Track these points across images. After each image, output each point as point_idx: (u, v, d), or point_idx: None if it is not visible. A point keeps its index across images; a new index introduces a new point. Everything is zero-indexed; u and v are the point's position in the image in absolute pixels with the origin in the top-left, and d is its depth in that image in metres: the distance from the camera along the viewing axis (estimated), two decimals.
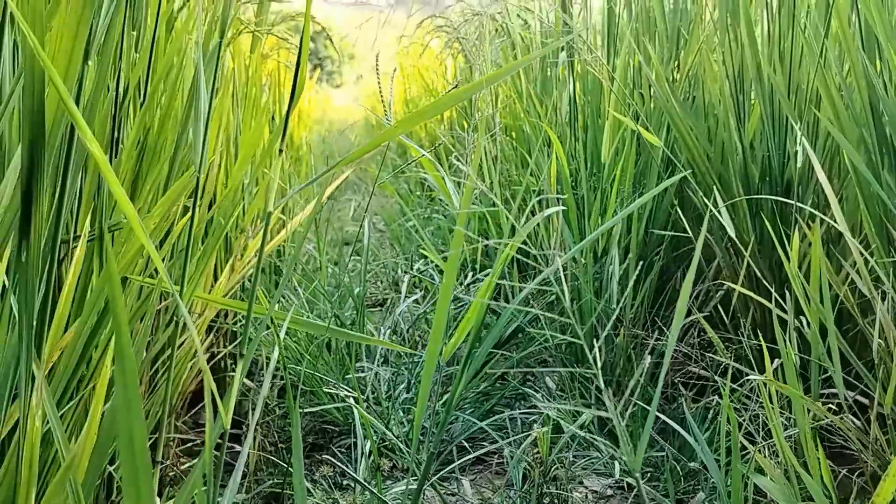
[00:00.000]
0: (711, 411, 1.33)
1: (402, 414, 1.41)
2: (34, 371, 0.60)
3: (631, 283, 1.37)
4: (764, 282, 1.38)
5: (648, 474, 1.31)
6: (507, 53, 2.21)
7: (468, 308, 0.87)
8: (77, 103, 0.62)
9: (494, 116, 2.16)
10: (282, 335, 0.91)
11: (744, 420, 1.24)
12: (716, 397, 1.32)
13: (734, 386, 1.26)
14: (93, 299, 0.73)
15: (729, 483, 0.98)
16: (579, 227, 1.67)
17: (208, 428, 0.64)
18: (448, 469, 1.25)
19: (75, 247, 0.93)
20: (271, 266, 2.03)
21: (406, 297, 1.79)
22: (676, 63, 1.80)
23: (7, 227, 0.62)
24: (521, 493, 1.21)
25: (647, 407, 0.80)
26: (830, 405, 1.15)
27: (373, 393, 1.45)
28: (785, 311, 1.15)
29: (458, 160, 2.83)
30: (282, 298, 2.21)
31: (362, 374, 1.47)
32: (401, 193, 3.32)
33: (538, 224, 1.79)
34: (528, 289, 0.83)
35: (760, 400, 1.05)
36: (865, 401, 1.24)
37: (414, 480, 1.08)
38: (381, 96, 1.68)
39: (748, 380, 1.22)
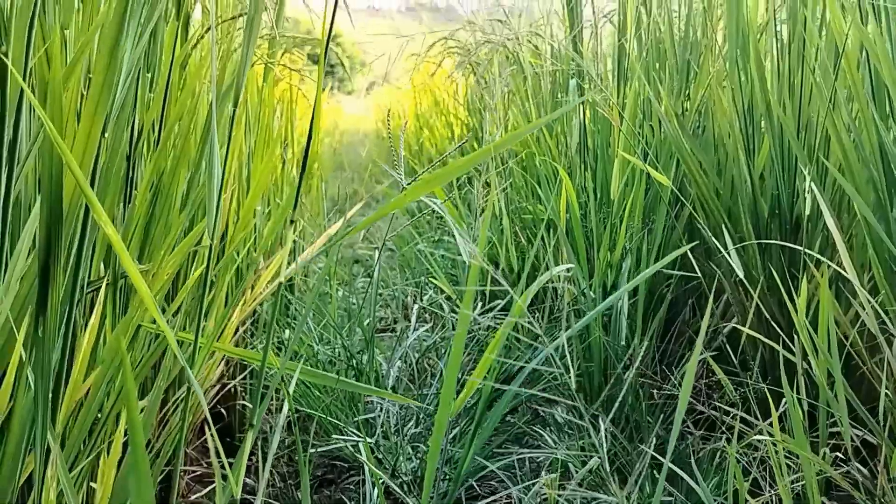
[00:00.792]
0: (720, 454, 1.33)
1: (410, 451, 1.42)
2: (49, 443, 0.61)
3: (640, 319, 1.38)
4: (772, 323, 1.38)
5: None
6: (518, 81, 2.22)
7: (477, 342, 0.88)
8: (92, 180, 0.64)
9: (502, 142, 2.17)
10: (291, 389, 0.92)
11: (753, 459, 1.25)
12: (724, 441, 1.32)
13: (743, 427, 1.26)
14: (104, 370, 0.74)
15: None
16: (588, 260, 1.68)
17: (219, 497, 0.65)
18: None
19: (91, 292, 0.94)
20: (281, 297, 2.04)
21: (416, 327, 1.80)
22: (687, 93, 1.81)
23: (23, 299, 0.63)
24: None
25: (660, 458, 0.81)
26: (838, 452, 1.15)
27: (382, 427, 1.45)
28: (793, 353, 1.16)
29: (469, 184, 2.84)
30: (291, 322, 2.23)
31: (371, 415, 1.48)
32: (411, 212, 3.33)
33: (547, 252, 1.80)
34: (532, 365, 0.83)
35: (769, 442, 1.06)
36: (875, 439, 1.24)
37: None
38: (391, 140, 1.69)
39: (757, 423, 1.22)
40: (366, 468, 1.25)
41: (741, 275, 1.33)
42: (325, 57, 0.81)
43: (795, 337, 1.18)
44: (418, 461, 1.40)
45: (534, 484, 1.10)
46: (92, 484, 0.86)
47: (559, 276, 1.71)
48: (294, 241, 2.23)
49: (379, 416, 1.47)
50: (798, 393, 1.13)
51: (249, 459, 1.63)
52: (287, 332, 1.97)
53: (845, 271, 1.12)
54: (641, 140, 1.72)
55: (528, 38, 2.41)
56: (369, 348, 1.62)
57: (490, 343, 0.85)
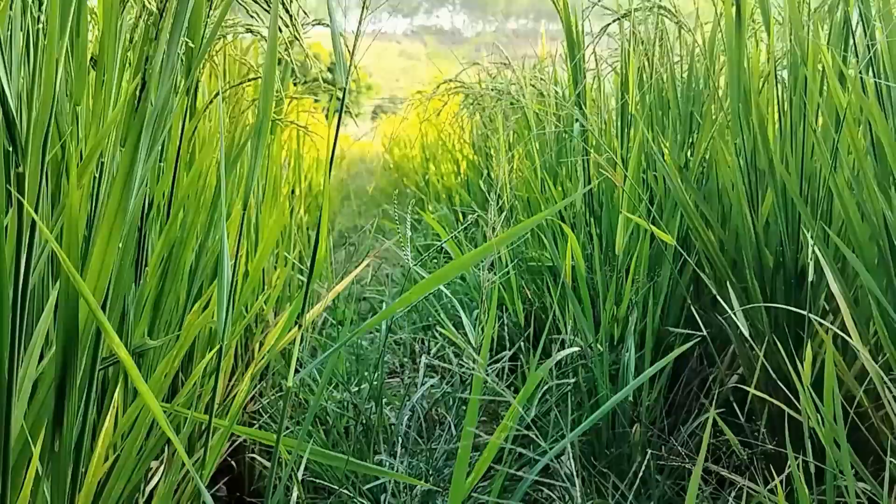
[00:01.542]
0: None
1: None
2: None
3: (647, 374, 1.38)
4: (780, 377, 1.39)
5: None
6: (521, 126, 2.24)
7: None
8: (104, 304, 0.65)
9: (509, 180, 2.19)
10: (300, 474, 0.93)
11: None
12: (732, 501, 1.32)
13: (751, 487, 1.26)
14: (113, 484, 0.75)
15: None
16: (594, 312, 1.68)
17: None
18: None
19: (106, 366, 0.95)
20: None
21: (424, 379, 1.80)
22: (691, 141, 1.82)
23: (38, 408, 0.65)
24: None
25: None
26: None
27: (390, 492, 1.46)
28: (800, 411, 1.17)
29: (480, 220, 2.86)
30: (298, 368, 2.24)
31: (380, 481, 1.48)
32: (419, 249, 3.34)
33: (554, 304, 1.81)
34: (532, 475, 0.84)
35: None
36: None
37: None
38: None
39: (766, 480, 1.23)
40: None
41: (746, 334, 1.34)
42: (340, 109, 0.83)
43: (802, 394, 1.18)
44: None
45: None
46: None
47: (566, 328, 1.72)
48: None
49: (388, 463, 1.48)
50: (805, 454, 1.14)
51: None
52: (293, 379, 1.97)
53: (850, 338, 1.13)
54: (645, 193, 1.73)
55: (531, 82, 2.44)
56: (378, 405, 1.63)
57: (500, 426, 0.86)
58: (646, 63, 1.75)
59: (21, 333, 0.66)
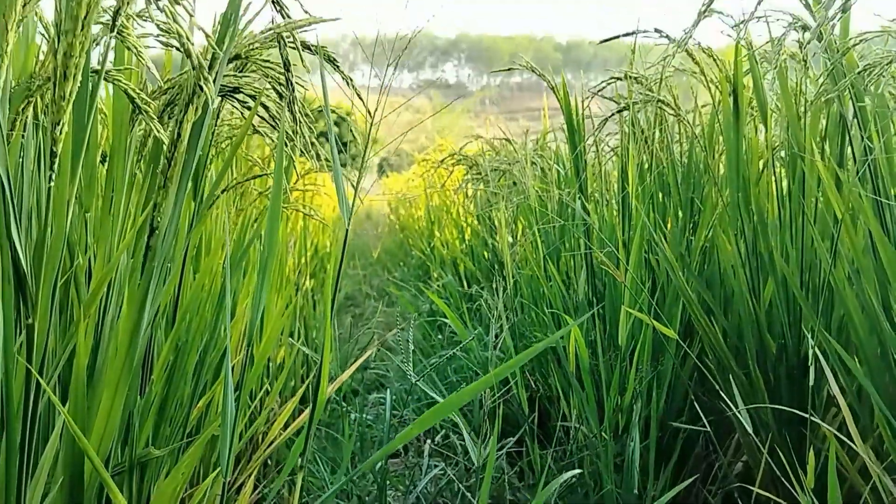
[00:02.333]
0: None
1: None
2: None
3: (652, 465, 1.38)
4: (783, 479, 1.38)
5: None
6: (524, 207, 2.26)
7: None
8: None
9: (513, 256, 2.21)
10: None
11: None
12: None
13: None
14: None
15: None
16: (598, 397, 1.68)
17: None
18: None
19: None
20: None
21: (429, 465, 1.80)
22: (693, 225, 1.84)
23: None
24: None
25: None
26: None
27: None
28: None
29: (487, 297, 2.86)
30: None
31: None
32: (427, 325, 3.34)
33: (560, 391, 1.81)
34: None
35: None
36: None
37: None
38: None
39: None
40: None
41: (749, 429, 1.34)
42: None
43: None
44: None
45: None
46: None
47: (570, 415, 1.72)
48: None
49: None
50: None
51: None
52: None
53: (854, 443, 1.13)
54: (648, 277, 1.74)
55: (532, 159, 2.47)
56: (382, 494, 1.62)
57: None
58: (645, 149, 1.77)
59: (28, 467, 0.67)
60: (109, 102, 1.02)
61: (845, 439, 1.18)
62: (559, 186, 2.23)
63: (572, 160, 1.76)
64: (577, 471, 1.41)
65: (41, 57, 0.98)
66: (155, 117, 0.90)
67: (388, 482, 1.77)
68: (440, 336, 3.07)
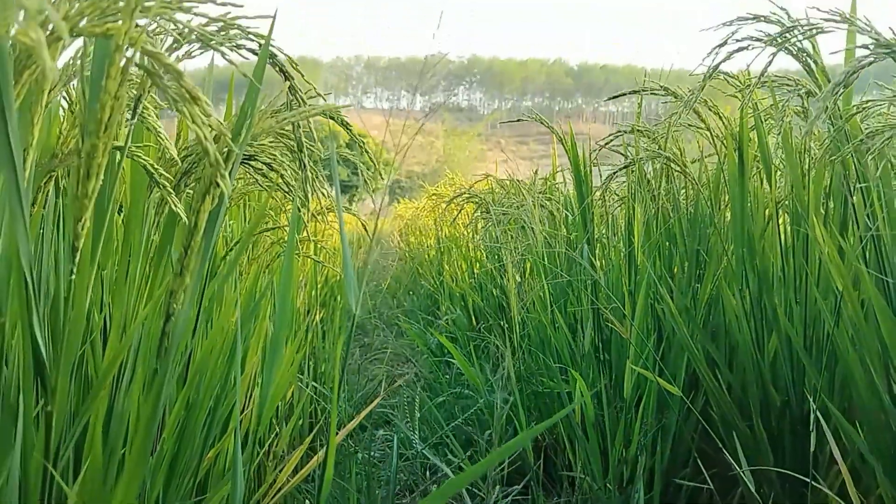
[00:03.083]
0: None
1: None
2: None
3: None
4: None
5: None
6: (532, 252, 2.28)
7: None
8: None
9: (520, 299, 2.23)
10: None
11: None
12: None
13: None
14: None
15: None
16: (602, 450, 1.69)
17: None
18: None
19: None
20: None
21: None
22: (699, 274, 1.85)
23: None
24: None
25: None
26: None
27: None
28: None
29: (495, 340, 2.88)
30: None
31: None
32: (434, 365, 3.35)
33: (566, 440, 1.82)
34: None
35: None
36: None
37: None
38: None
39: None
40: None
41: (752, 488, 1.35)
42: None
43: None
44: None
45: None
46: None
47: (576, 465, 1.73)
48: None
49: None
50: None
51: None
52: None
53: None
54: (654, 327, 1.76)
55: (541, 202, 2.50)
56: None
57: None
58: (651, 200, 1.79)
59: None
60: (128, 167, 1.05)
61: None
62: (567, 231, 2.25)
63: (579, 214, 1.79)
64: None
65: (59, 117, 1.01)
66: (172, 191, 0.93)
67: None
68: (447, 374, 3.09)
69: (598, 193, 1.83)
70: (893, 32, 1.07)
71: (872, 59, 0.94)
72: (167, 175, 0.92)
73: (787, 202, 1.67)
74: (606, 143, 1.80)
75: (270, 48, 0.84)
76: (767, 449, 1.60)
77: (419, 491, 2.33)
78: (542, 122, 1.93)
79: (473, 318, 3.74)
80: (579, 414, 1.63)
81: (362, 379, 3.81)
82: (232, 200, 1.47)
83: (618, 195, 2.11)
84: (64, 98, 1.05)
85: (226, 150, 0.69)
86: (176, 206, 0.91)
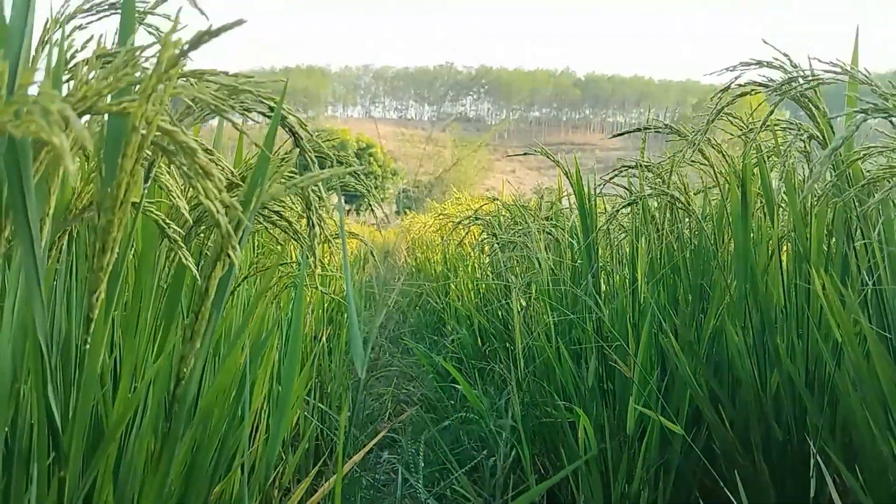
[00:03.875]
0: None
1: None
2: None
3: None
4: None
5: None
6: (538, 279, 2.30)
7: None
8: None
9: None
10: None
11: None
12: None
13: None
14: None
15: None
16: (605, 482, 1.71)
17: None
18: None
19: None
20: None
21: None
22: (703, 308, 1.87)
23: None
24: None
25: None
26: None
27: None
28: None
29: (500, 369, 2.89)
30: None
31: None
32: (438, 381, 3.36)
33: (569, 480, 1.83)
34: None
35: None
36: None
37: None
38: None
39: None
40: None
41: None
42: None
43: None
44: None
45: None
46: None
47: (579, 498, 1.74)
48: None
49: None
50: None
51: None
52: None
53: None
54: (658, 360, 1.77)
55: (546, 229, 2.51)
56: None
57: None
58: (655, 236, 1.81)
59: None
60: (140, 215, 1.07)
61: None
62: (573, 258, 2.27)
63: (584, 249, 1.80)
64: None
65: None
66: (183, 245, 0.96)
67: None
68: (453, 400, 3.10)
69: (602, 223, 1.85)
70: (893, 85, 1.08)
71: (871, 118, 0.96)
72: (178, 230, 0.94)
73: (790, 236, 1.69)
74: (611, 178, 1.82)
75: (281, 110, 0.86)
76: (769, 485, 1.61)
77: None
78: (547, 156, 1.95)
79: (479, 338, 3.75)
80: (583, 447, 1.64)
81: (368, 397, 3.83)
82: None
83: (623, 226, 2.12)
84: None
85: (236, 221, 0.71)
86: (187, 259, 0.93)
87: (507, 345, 3.12)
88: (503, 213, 3.21)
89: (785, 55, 1.33)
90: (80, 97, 0.65)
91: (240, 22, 0.67)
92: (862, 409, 1.35)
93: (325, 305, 3.22)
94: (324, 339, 3.13)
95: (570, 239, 2.36)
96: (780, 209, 1.71)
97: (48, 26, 1.06)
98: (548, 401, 2.12)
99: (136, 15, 1.09)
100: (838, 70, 1.15)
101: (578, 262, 2.17)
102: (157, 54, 0.66)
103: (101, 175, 0.66)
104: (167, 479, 0.69)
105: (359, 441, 3.05)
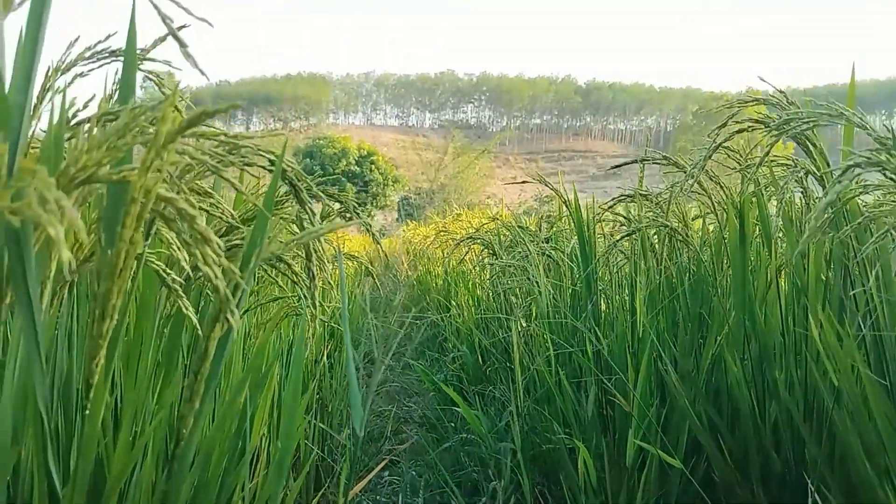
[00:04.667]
0: None
1: None
2: None
3: None
4: None
5: None
6: (539, 301, 2.30)
7: None
8: None
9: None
10: None
11: None
12: None
13: None
14: None
15: None
16: None
17: None
18: None
19: None
20: None
21: None
22: (702, 335, 1.87)
23: None
24: None
25: None
26: None
27: None
28: None
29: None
30: None
31: None
32: (438, 416, 3.36)
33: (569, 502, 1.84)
34: None
35: None
36: None
37: None
38: None
39: None
40: None
41: None
42: None
43: None
44: None
45: None
46: None
47: None
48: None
49: None
50: None
51: None
52: None
53: None
54: (656, 394, 1.77)
55: (546, 251, 2.52)
56: None
57: None
58: (655, 266, 1.82)
59: None
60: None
61: None
62: (572, 282, 2.28)
63: (584, 281, 1.81)
64: None
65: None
66: (183, 295, 0.96)
67: None
68: (453, 422, 3.10)
69: (602, 253, 1.86)
70: (887, 129, 1.09)
71: (864, 171, 0.97)
72: (178, 279, 0.95)
73: (787, 266, 1.69)
74: (610, 207, 1.82)
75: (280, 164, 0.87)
76: None
77: None
78: (545, 184, 1.95)
79: (480, 357, 3.75)
80: (583, 479, 1.64)
81: (369, 414, 3.82)
82: None
83: (622, 251, 2.13)
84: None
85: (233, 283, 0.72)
86: (187, 309, 0.94)
87: (508, 364, 3.12)
88: (503, 232, 3.22)
89: (781, 92, 1.34)
90: (80, 167, 0.66)
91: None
92: (860, 451, 1.35)
93: (327, 321, 3.22)
94: (324, 358, 3.13)
95: (569, 263, 2.37)
96: (778, 239, 1.72)
97: (49, 74, 1.07)
98: (548, 426, 2.13)
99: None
100: (834, 113, 1.15)
101: (578, 285, 2.17)
102: (156, 122, 0.67)
103: (101, 244, 0.67)
104: None
105: (361, 462, 3.05)
